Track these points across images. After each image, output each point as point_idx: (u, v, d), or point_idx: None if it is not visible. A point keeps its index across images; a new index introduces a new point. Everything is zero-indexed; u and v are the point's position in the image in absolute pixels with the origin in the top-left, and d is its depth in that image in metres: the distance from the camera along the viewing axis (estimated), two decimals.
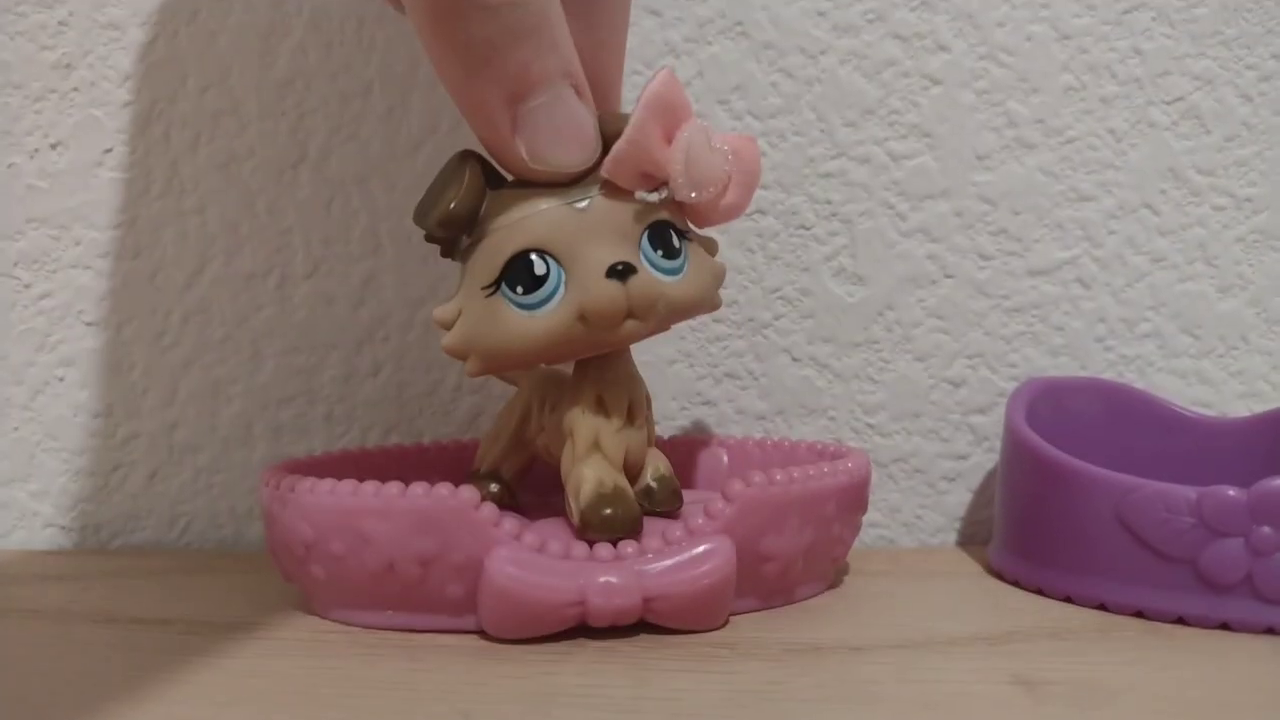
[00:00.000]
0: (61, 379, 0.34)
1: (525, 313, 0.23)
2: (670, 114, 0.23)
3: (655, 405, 0.34)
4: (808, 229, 0.34)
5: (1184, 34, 0.33)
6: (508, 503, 0.27)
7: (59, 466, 0.34)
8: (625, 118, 0.23)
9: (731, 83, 0.33)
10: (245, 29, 0.33)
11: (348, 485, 0.22)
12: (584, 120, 0.23)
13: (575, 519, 0.23)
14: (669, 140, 0.23)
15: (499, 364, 0.24)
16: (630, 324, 0.23)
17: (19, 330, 0.34)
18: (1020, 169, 0.34)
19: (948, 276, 0.34)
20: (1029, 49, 0.33)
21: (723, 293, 0.33)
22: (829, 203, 0.34)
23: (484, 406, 0.34)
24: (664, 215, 0.23)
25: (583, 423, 0.24)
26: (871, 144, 0.34)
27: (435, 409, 0.34)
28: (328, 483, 0.23)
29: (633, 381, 0.25)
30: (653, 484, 0.25)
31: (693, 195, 0.23)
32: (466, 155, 0.23)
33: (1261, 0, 0.33)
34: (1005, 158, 0.34)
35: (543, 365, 0.27)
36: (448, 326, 0.24)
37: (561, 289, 0.23)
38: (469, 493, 0.22)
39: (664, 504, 0.25)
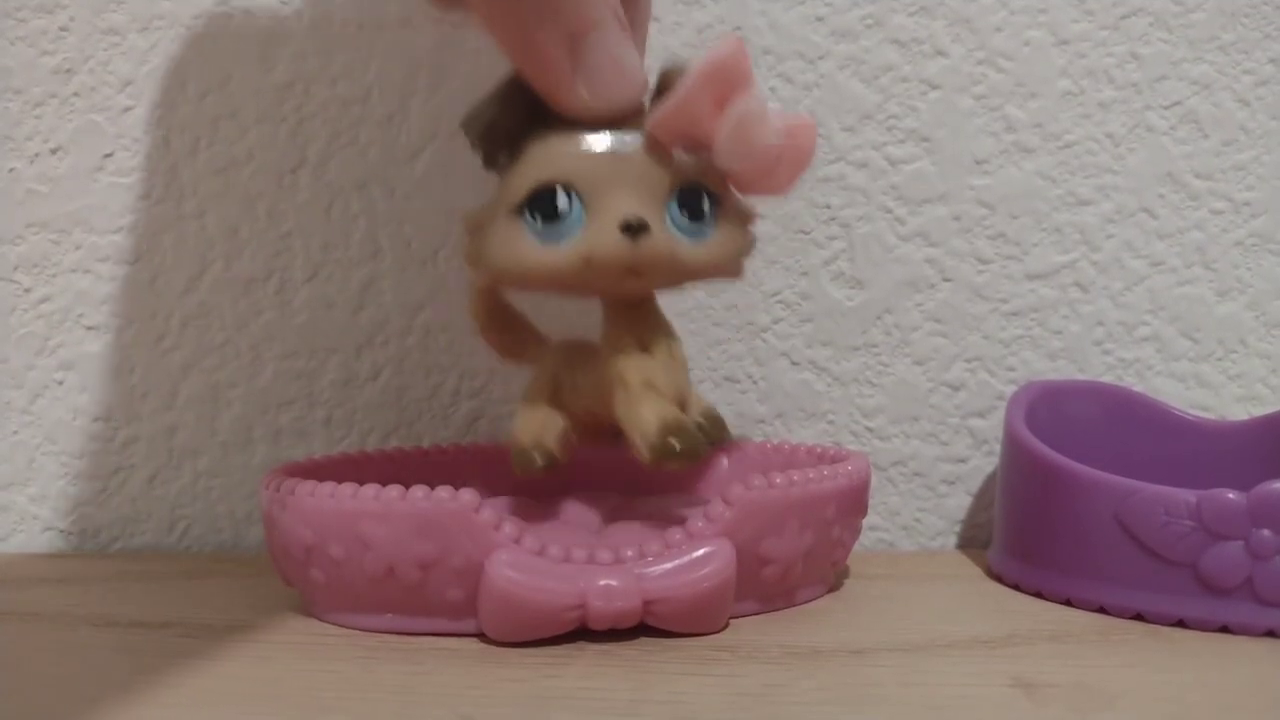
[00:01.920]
0: (61, 383, 0.34)
1: (539, 242, 0.23)
2: (727, 82, 0.22)
3: None
4: (806, 233, 0.34)
5: (1181, 39, 0.34)
6: (552, 469, 0.26)
7: (58, 470, 0.34)
8: (679, 68, 0.23)
9: None
10: (245, 34, 0.33)
11: (348, 489, 0.22)
12: (634, 56, 0.23)
13: (645, 454, 0.23)
14: (721, 106, 0.22)
15: (505, 281, 0.24)
16: (632, 279, 0.23)
17: (19, 334, 0.34)
18: (1018, 173, 0.34)
19: (946, 280, 0.34)
20: (1027, 54, 0.34)
21: (722, 296, 0.34)
22: (828, 207, 0.34)
23: (483, 410, 0.34)
24: (699, 178, 0.24)
25: (632, 366, 0.24)
26: (870, 148, 0.34)
27: (435, 412, 0.34)
28: (328, 486, 0.23)
29: (665, 324, 0.25)
30: (702, 420, 0.26)
31: (733, 166, 0.23)
32: (517, 77, 0.23)
33: (1259, 5, 0.34)
34: (1003, 162, 0.34)
35: (554, 340, 0.28)
36: (471, 232, 0.24)
37: (580, 228, 0.23)
38: (469, 496, 0.22)
39: (716, 436, 0.26)
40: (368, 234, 0.34)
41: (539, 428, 0.26)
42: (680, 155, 0.23)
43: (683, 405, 0.25)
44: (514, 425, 0.27)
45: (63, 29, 0.33)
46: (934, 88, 0.34)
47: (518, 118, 0.23)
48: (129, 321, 0.34)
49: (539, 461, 0.25)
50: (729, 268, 0.25)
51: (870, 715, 0.19)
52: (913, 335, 0.34)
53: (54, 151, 0.33)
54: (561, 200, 0.23)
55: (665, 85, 0.23)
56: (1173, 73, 0.34)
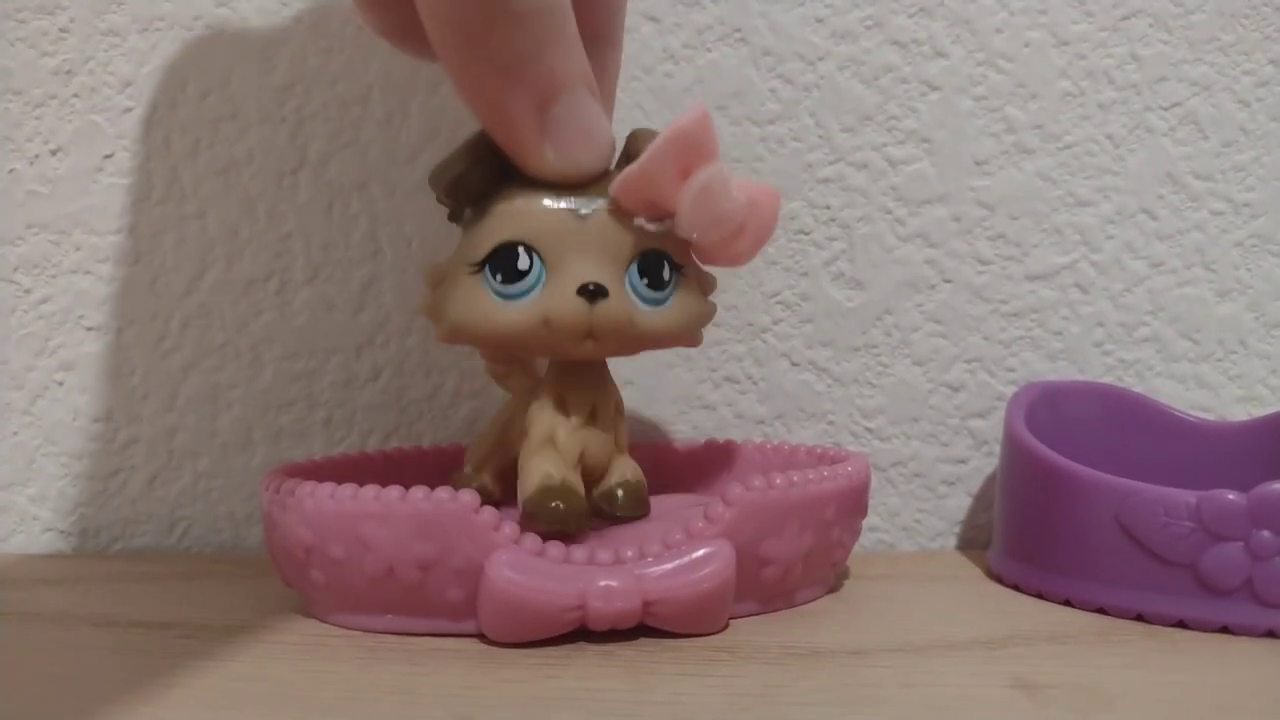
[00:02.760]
0: (61, 384, 0.34)
1: (499, 300, 0.23)
2: (692, 151, 0.22)
3: (654, 409, 0.34)
4: (806, 234, 0.34)
5: (1181, 40, 0.34)
6: (485, 501, 0.27)
7: (58, 471, 0.34)
8: (654, 134, 0.23)
9: (730, 89, 0.33)
10: (245, 35, 0.33)
11: (347, 489, 0.22)
12: (603, 121, 0.23)
13: (521, 508, 0.23)
14: (685, 175, 0.23)
15: (463, 339, 0.24)
16: (588, 344, 0.23)
17: (19, 335, 0.34)
18: (1018, 174, 0.34)
19: (946, 281, 0.34)
20: (1027, 55, 0.34)
21: (722, 297, 0.34)
22: (827, 208, 0.34)
23: (484, 411, 0.34)
24: (661, 245, 0.24)
25: (540, 418, 0.24)
26: (870, 149, 0.34)
27: (435, 413, 0.34)
28: (327, 487, 0.23)
29: (601, 386, 0.25)
30: (617, 490, 0.25)
31: (694, 235, 0.23)
32: (486, 134, 0.23)
33: (1258, 6, 0.34)
34: (1003, 163, 0.34)
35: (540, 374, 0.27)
36: (433, 287, 0.25)
37: (539, 289, 0.23)
38: (469, 497, 0.22)
39: (625, 510, 0.25)
40: (368, 234, 0.34)
41: (479, 462, 0.28)
42: (642, 222, 0.23)
43: (596, 470, 0.25)
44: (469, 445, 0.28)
45: (63, 30, 0.33)
46: (934, 89, 0.34)
47: (484, 174, 0.23)
48: (129, 322, 0.34)
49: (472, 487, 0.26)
50: (686, 336, 0.25)
51: (870, 716, 0.19)
52: (913, 336, 0.34)
53: (54, 152, 0.33)
54: (523, 260, 0.23)
55: (632, 150, 0.23)
56: (1173, 74, 0.34)
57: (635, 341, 0.24)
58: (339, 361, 0.34)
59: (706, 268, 0.26)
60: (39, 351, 0.34)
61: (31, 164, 0.33)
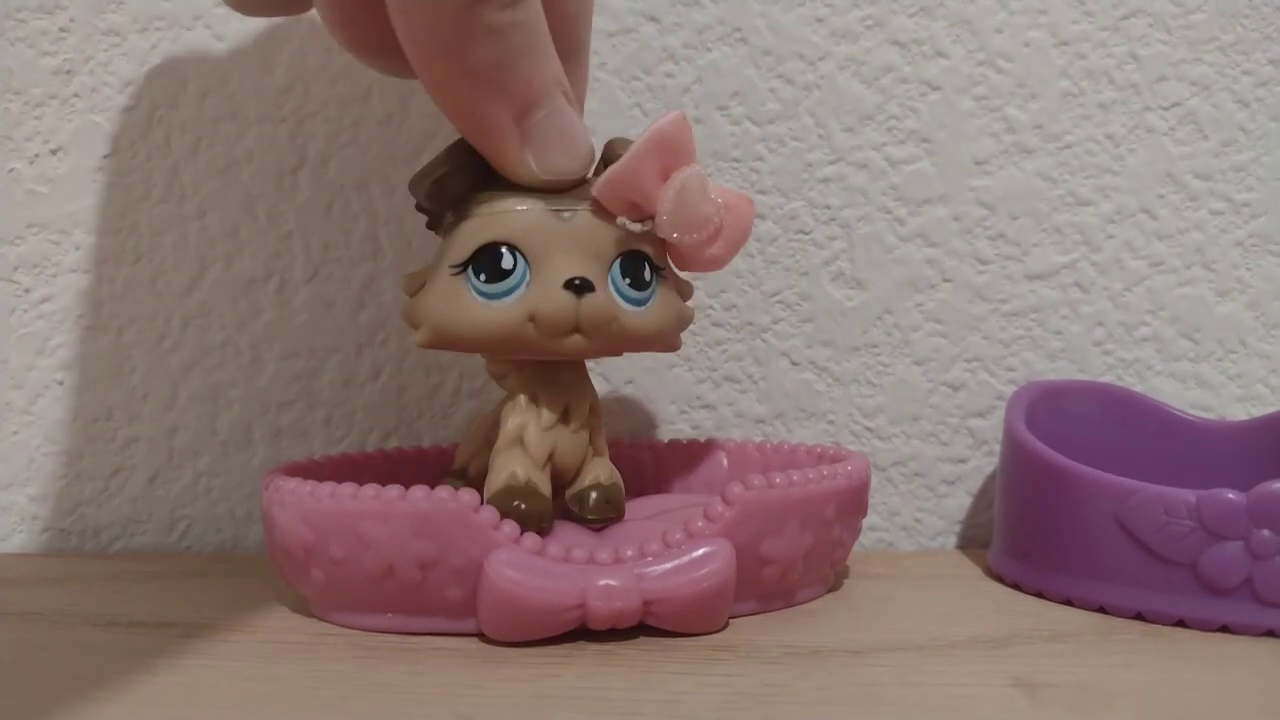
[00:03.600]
0: (61, 383, 0.34)
1: (483, 300, 0.23)
2: (671, 154, 0.23)
3: (654, 408, 0.34)
4: (806, 233, 0.34)
5: (1181, 40, 0.34)
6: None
7: (59, 470, 0.34)
8: (630, 144, 0.23)
9: (730, 89, 0.33)
10: (245, 34, 0.33)
11: (347, 489, 0.22)
12: (581, 128, 0.23)
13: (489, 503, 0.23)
14: (664, 177, 0.23)
15: (446, 342, 0.24)
16: (575, 338, 0.23)
17: (19, 335, 0.34)
18: (1018, 174, 0.34)
19: (946, 281, 0.34)
20: (1027, 55, 0.34)
21: (722, 296, 0.34)
22: (828, 207, 0.34)
23: (483, 410, 0.34)
24: (642, 247, 0.24)
25: (512, 416, 0.24)
26: (870, 149, 0.34)
27: (435, 412, 0.34)
28: (327, 486, 0.23)
29: (576, 386, 0.25)
30: (590, 491, 0.25)
31: (674, 236, 0.24)
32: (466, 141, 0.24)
33: (1258, 6, 0.34)
34: (1003, 163, 0.34)
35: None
36: (410, 293, 0.25)
37: (523, 288, 0.23)
38: (469, 496, 0.22)
39: (595, 513, 0.25)
40: (368, 234, 0.34)
41: (467, 458, 0.27)
42: (624, 221, 0.23)
43: (567, 471, 0.25)
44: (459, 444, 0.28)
45: (63, 30, 0.33)
46: (934, 89, 0.34)
47: (465, 179, 0.23)
48: (129, 322, 0.34)
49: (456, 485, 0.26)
50: (668, 338, 0.25)
51: (870, 715, 0.19)
52: (913, 335, 0.34)
53: (54, 152, 0.33)
54: (506, 259, 0.23)
55: (609, 157, 0.24)
56: (1172, 74, 0.34)
57: (620, 339, 0.24)
58: (339, 361, 0.34)
59: (683, 275, 0.26)
60: (39, 351, 0.34)
61: (31, 163, 0.33)
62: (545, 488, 0.24)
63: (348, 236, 0.34)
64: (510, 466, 0.24)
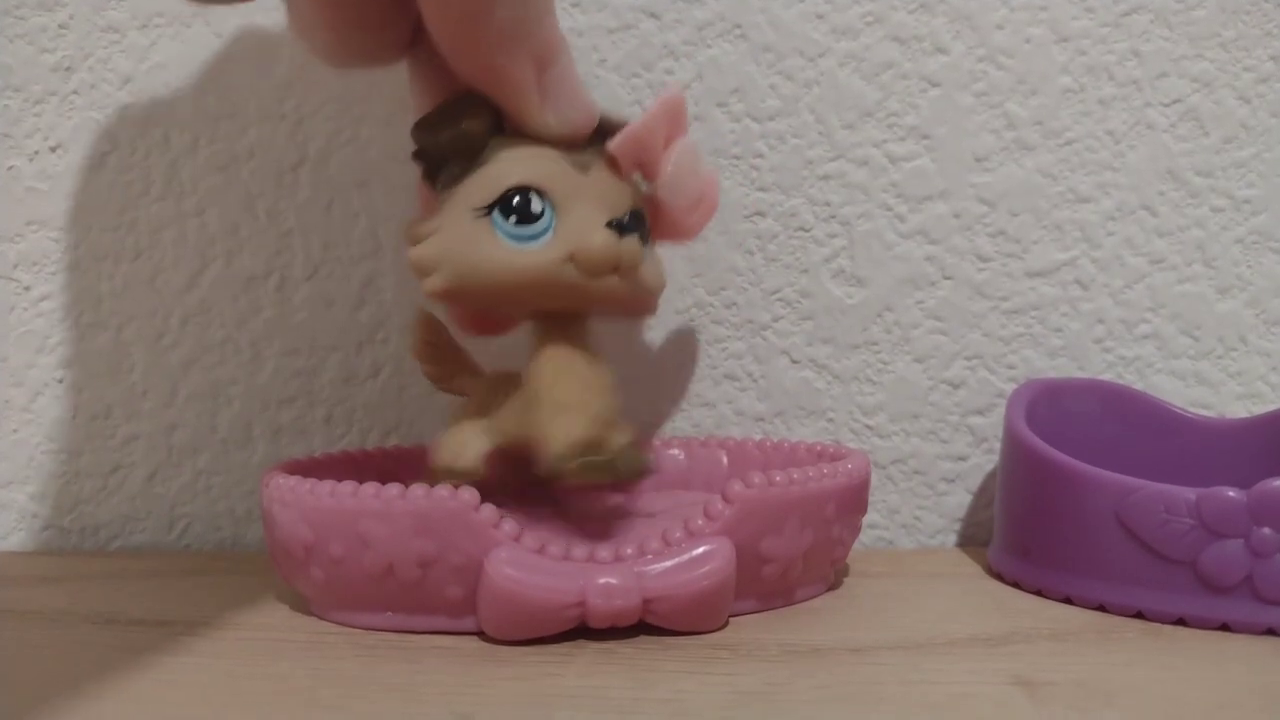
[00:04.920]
0: (61, 381, 0.34)
1: (513, 243, 0.23)
2: (675, 121, 0.25)
3: (654, 407, 0.34)
4: (807, 231, 0.34)
5: (1182, 36, 0.34)
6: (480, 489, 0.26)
7: (58, 468, 0.34)
8: (619, 116, 0.25)
9: (730, 85, 0.33)
10: (245, 31, 0.33)
11: (347, 487, 0.22)
12: (584, 86, 0.24)
13: (552, 466, 0.23)
14: (668, 143, 0.25)
15: (466, 288, 0.24)
16: (613, 279, 0.24)
17: (19, 332, 0.34)
18: (1019, 170, 0.34)
19: (946, 278, 0.34)
20: (1027, 51, 0.33)
21: (722, 293, 0.34)
22: (828, 204, 0.34)
23: None
24: (641, 205, 0.25)
25: (550, 379, 0.24)
26: (870, 146, 0.34)
27: (435, 410, 0.34)
28: (327, 484, 0.23)
29: (597, 350, 0.25)
30: (621, 450, 0.24)
31: (669, 197, 0.25)
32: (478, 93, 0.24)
33: (1259, 2, 0.33)
34: (1004, 159, 0.34)
35: (487, 372, 0.27)
36: (416, 241, 0.24)
37: (550, 234, 0.23)
38: (468, 494, 0.22)
39: (628, 474, 0.24)
40: (368, 232, 0.34)
41: (458, 447, 0.26)
42: (638, 179, 0.25)
43: (606, 431, 0.24)
44: (435, 448, 0.26)
45: (62, 26, 0.33)
46: (934, 85, 0.33)
47: (483, 128, 0.24)
48: (129, 319, 0.34)
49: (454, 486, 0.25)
50: (655, 299, 0.26)
51: (870, 713, 0.19)
52: (913, 333, 0.34)
53: (54, 149, 0.33)
54: (535, 203, 0.23)
55: (606, 128, 0.25)
56: (1173, 70, 0.34)
57: (641, 288, 0.25)
58: (339, 358, 0.34)
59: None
60: (39, 349, 0.34)
61: (31, 161, 0.33)
62: (607, 442, 0.23)
63: (348, 234, 0.34)
64: (567, 425, 0.23)
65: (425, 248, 0.24)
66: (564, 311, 0.25)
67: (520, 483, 0.26)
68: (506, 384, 0.26)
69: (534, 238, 0.23)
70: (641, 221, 0.25)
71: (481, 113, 0.24)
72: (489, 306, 0.27)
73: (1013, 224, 0.34)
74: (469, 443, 0.26)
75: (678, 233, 0.27)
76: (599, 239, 0.23)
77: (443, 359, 0.28)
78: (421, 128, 0.24)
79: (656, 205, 0.26)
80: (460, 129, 0.23)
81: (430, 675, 0.21)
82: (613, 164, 0.24)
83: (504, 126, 0.24)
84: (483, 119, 0.24)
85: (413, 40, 0.25)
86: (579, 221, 0.23)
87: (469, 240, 0.23)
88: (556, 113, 0.24)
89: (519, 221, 0.23)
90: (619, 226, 0.24)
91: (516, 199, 0.23)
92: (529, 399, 0.24)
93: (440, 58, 0.23)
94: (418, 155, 0.25)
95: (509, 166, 0.23)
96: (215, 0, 0.27)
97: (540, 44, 0.23)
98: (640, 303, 0.26)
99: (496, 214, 0.23)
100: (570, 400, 0.24)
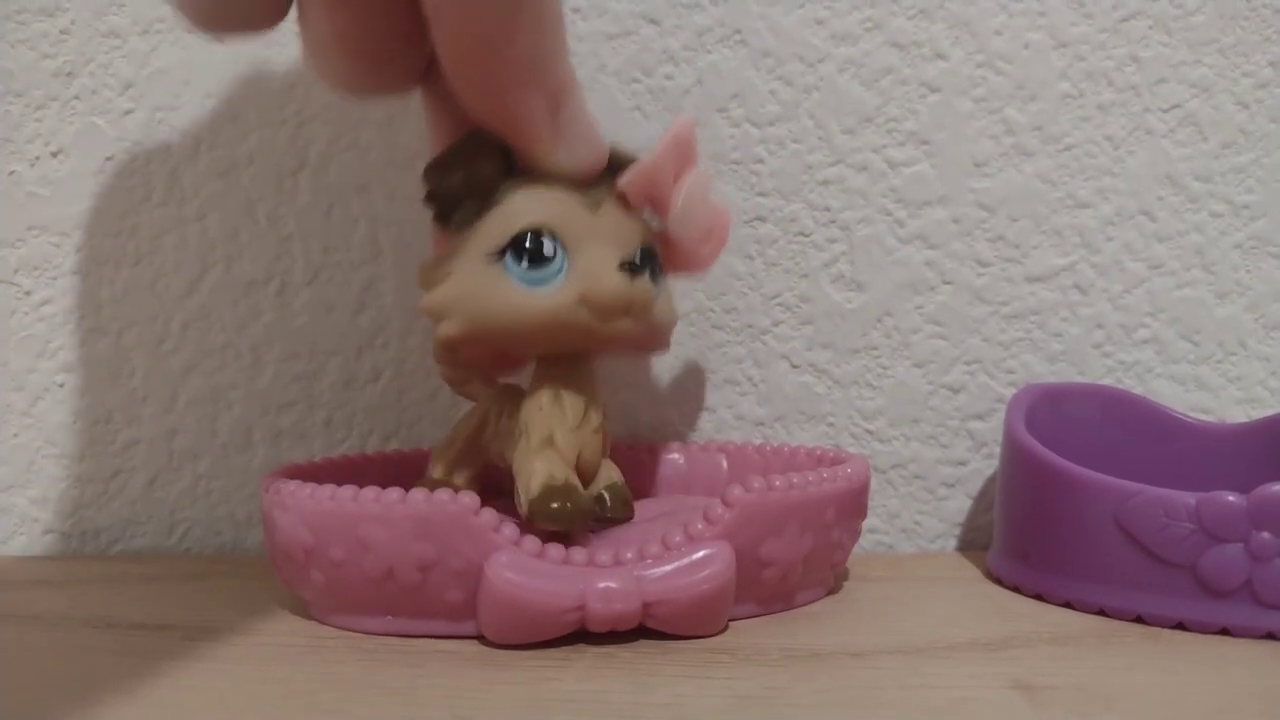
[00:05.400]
0: (62, 385, 0.34)
1: (525, 287, 0.23)
2: (685, 154, 0.25)
3: (653, 411, 0.34)
4: (806, 236, 0.34)
5: (1181, 42, 0.34)
6: None
7: (59, 473, 0.34)
8: (628, 150, 0.25)
9: (730, 90, 0.33)
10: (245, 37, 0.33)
11: (348, 491, 0.22)
12: (596, 123, 0.24)
13: (523, 510, 0.23)
14: (677, 176, 0.25)
15: (482, 333, 0.24)
16: (626, 321, 0.24)
17: (19, 337, 0.34)
18: (1018, 176, 0.34)
19: (946, 283, 0.34)
20: (1026, 57, 0.34)
21: (722, 299, 0.34)
22: (827, 209, 0.34)
23: None
24: (653, 242, 0.25)
25: (539, 419, 0.24)
26: (870, 151, 0.34)
27: (435, 415, 0.34)
28: (328, 488, 0.23)
29: (593, 388, 0.25)
30: (604, 492, 0.25)
31: (680, 232, 0.25)
32: (487, 131, 0.23)
33: (1258, 8, 0.34)
34: (1003, 165, 0.34)
35: (501, 380, 0.27)
36: (429, 286, 0.24)
37: (562, 276, 0.23)
38: (468, 498, 0.22)
39: (615, 512, 0.25)
40: (368, 237, 0.34)
41: (449, 467, 0.27)
42: (648, 216, 0.24)
43: (588, 472, 0.25)
44: (433, 452, 0.28)
45: (64, 32, 0.33)
46: (934, 90, 0.34)
47: (495, 168, 0.24)
48: (129, 324, 0.34)
49: None
50: (667, 334, 0.26)
51: (870, 718, 0.19)
52: (912, 338, 0.34)
53: (55, 154, 0.33)
54: (548, 246, 0.23)
55: (614, 162, 0.24)
56: (1172, 75, 0.34)
57: (654, 328, 0.25)
58: (339, 363, 0.34)
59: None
60: (39, 353, 0.34)
61: (32, 166, 0.33)
62: (581, 488, 0.24)
63: (348, 239, 0.34)
64: (547, 468, 0.23)
65: (438, 294, 0.24)
66: (571, 351, 0.25)
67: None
68: (512, 401, 0.26)
69: (546, 280, 0.23)
70: (653, 258, 0.25)
71: (492, 153, 0.23)
72: (504, 349, 0.27)
73: (1012, 229, 0.34)
74: (461, 463, 0.27)
75: (690, 265, 0.26)
76: (611, 281, 0.23)
77: (461, 363, 0.28)
78: (433, 170, 0.24)
79: (668, 239, 0.25)
80: (471, 170, 0.23)
81: (430, 679, 0.21)
82: (623, 201, 0.24)
83: (515, 166, 0.24)
84: (494, 159, 0.23)
85: (427, 71, 0.24)
86: (591, 263, 0.23)
87: (483, 285, 0.23)
88: (568, 151, 0.23)
89: (531, 265, 0.23)
90: (631, 267, 0.23)
91: (529, 242, 0.23)
92: (517, 432, 0.25)
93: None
94: (430, 198, 0.25)
95: (520, 208, 0.23)
96: (220, 30, 0.27)
97: (555, 81, 0.22)
98: (653, 340, 0.26)
99: (509, 257, 0.23)
100: (548, 444, 0.24)
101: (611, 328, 0.24)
